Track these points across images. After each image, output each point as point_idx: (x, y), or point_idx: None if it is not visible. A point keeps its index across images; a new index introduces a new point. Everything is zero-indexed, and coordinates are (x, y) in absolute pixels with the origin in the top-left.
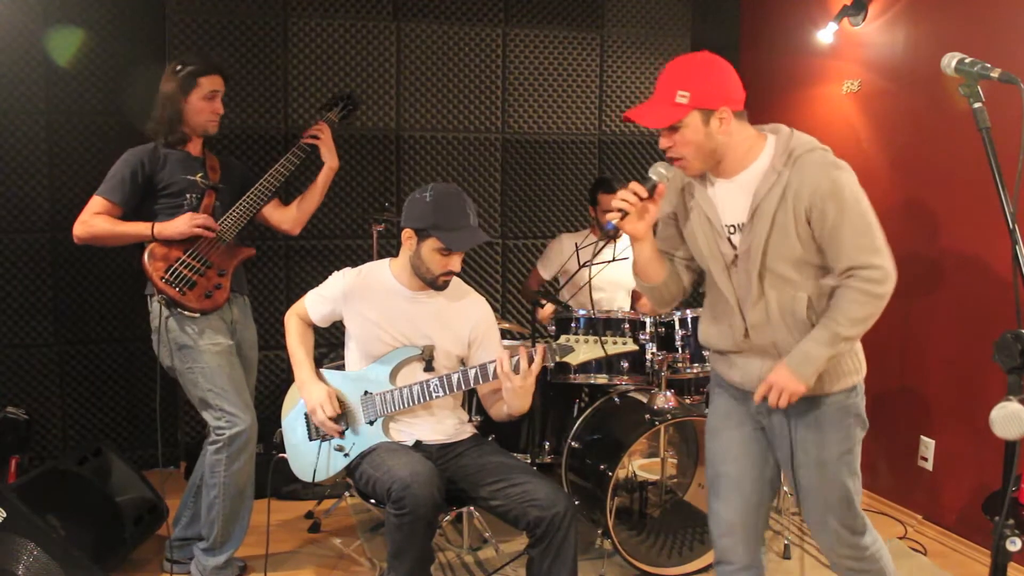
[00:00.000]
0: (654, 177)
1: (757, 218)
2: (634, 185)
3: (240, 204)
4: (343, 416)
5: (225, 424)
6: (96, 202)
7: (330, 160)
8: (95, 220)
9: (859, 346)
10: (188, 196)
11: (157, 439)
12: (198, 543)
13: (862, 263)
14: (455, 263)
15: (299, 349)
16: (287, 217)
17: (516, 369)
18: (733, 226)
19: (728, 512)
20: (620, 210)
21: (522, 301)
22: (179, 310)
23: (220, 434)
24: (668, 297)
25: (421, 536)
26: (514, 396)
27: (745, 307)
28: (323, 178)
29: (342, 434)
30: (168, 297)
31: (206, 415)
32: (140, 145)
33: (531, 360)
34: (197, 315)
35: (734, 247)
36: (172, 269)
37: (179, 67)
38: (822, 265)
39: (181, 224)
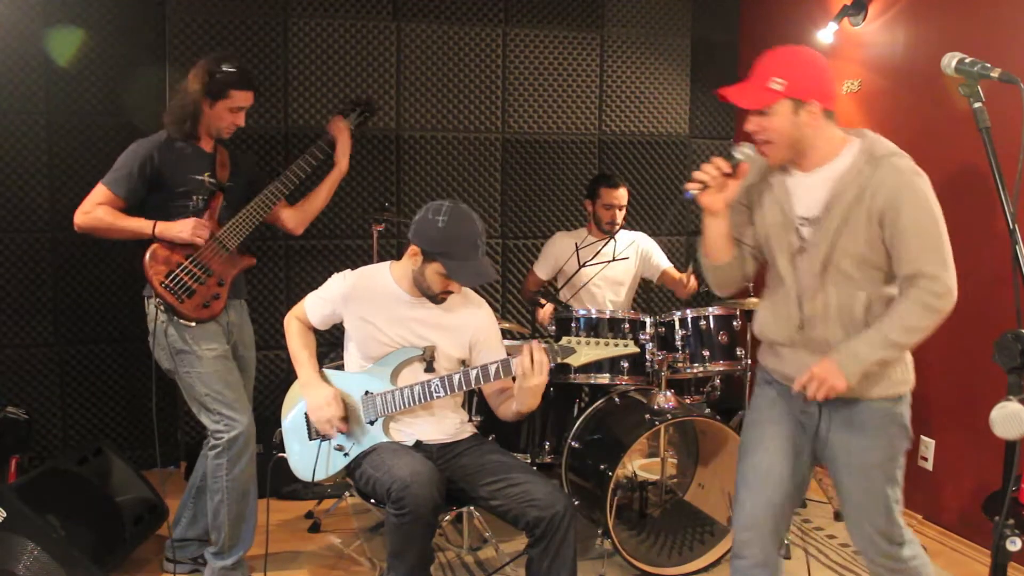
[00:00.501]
0: (739, 156)
1: (831, 212)
2: (718, 160)
3: (246, 211)
4: (347, 417)
5: (223, 428)
6: (100, 192)
7: (341, 163)
8: (97, 211)
9: (909, 357)
10: (195, 198)
11: (156, 439)
12: (208, 547)
13: (927, 272)
14: (456, 285)
15: (302, 351)
16: (290, 216)
17: (532, 367)
18: (805, 219)
19: (753, 504)
20: (701, 182)
21: (522, 301)
22: (175, 317)
23: (219, 438)
24: (729, 280)
25: (421, 536)
26: (527, 394)
27: (804, 299)
28: (332, 180)
29: (344, 434)
30: (165, 303)
31: (203, 418)
32: (150, 136)
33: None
34: (192, 324)
35: (802, 239)
36: (173, 275)
37: (215, 71)
38: (886, 270)
39: (184, 229)
